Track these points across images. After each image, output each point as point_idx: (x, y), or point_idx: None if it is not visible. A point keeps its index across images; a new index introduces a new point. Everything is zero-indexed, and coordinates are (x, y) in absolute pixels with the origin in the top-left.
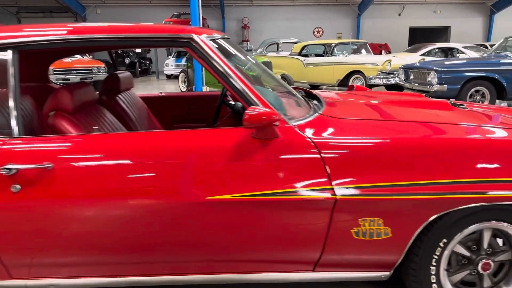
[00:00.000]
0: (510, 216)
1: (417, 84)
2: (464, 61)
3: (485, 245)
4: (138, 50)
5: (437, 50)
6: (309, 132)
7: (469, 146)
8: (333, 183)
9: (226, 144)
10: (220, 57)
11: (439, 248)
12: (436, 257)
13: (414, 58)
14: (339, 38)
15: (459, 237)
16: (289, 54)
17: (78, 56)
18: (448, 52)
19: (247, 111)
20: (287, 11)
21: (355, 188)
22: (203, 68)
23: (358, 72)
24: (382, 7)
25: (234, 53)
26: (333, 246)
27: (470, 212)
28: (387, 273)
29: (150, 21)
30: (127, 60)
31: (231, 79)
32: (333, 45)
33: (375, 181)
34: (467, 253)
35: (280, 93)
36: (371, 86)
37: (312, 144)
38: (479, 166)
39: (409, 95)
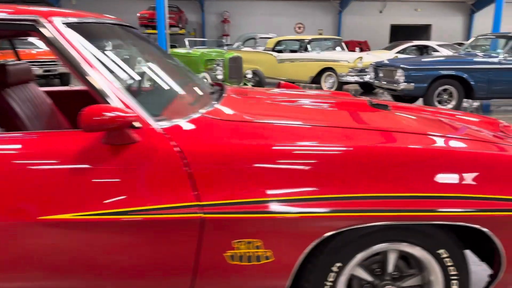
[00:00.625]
0: (414, 236)
1: (385, 82)
2: (432, 59)
3: (390, 268)
4: None
5: (412, 48)
6: (177, 137)
7: (364, 155)
8: (200, 199)
9: (66, 150)
10: (74, 45)
11: (332, 274)
12: (329, 283)
13: (388, 56)
14: (320, 34)
15: (357, 260)
16: (264, 50)
17: (43, 47)
18: (423, 50)
19: (84, 109)
20: (268, 6)
21: (226, 205)
22: None
23: (331, 69)
24: (364, 4)
25: (117, 43)
26: (206, 273)
27: (366, 232)
28: None
29: (127, 13)
30: None
31: (84, 73)
32: (307, 41)
33: (250, 197)
34: (369, 278)
35: (180, 90)
36: (343, 83)
37: (176, 151)
38: (375, 177)
39: (342, 94)
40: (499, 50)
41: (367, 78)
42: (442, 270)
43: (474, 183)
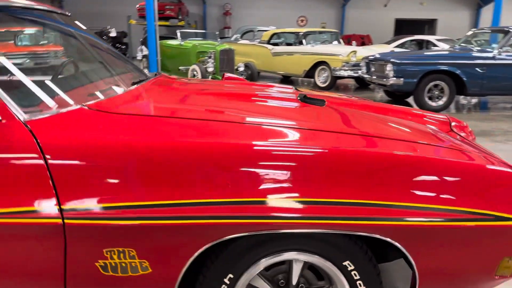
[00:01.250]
0: (315, 246)
1: (375, 77)
2: (424, 53)
3: (294, 280)
4: (114, 34)
5: (411, 42)
6: (42, 131)
7: (247, 155)
8: (60, 202)
9: None
10: None
11: (224, 286)
12: None
13: (385, 51)
14: (323, 28)
15: (253, 271)
16: (259, 42)
17: None
18: (423, 45)
19: None
20: None
21: (89, 209)
22: (160, 54)
23: (325, 63)
24: None
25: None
26: (77, 285)
27: (255, 242)
28: None
29: (127, 4)
30: None
31: None
32: (301, 34)
33: (116, 201)
34: None
35: (82, 80)
36: (336, 78)
37: (39, 147)
38: (263, 179)
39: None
40: (494, 45)
41: (360, 72)
42: (349, 284)
43: (380, 188)
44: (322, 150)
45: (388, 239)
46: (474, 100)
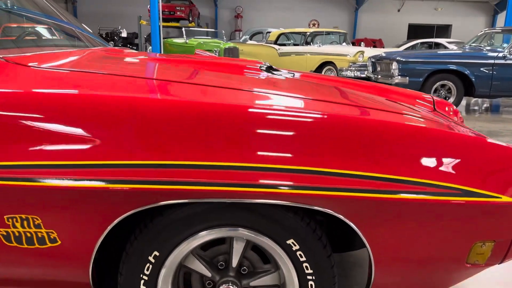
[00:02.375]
0: (252, 220)
1: (380, 76)
2: (431, 52)
3: (234, 262)
4: (124, 35)
5: (422, 45)
6: None
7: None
8: None
9: None
10: None
11: (148, 265)
12: (145, 277)
13: None
14: None
15: (183, 249)
16: (266, 43)
17: None
18: (433, 48)
19: None
20: (282, 1)
21: None
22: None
23: (331, 63)
24: (381, 1)
25: None
26: None
27: (186, 214)
28: None
29: (139, 5)
30: (111, 45)
31: None
32: (308, 33)
33: (17, 159)
34: (205, 272)
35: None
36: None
37: None
38: (192, 140)
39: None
40: (505, 45)
41: (366, 72)
42: (295, 267)
43: (322, 153)
44: (260, 110)
45: (330, 211)
46: (485, 105)
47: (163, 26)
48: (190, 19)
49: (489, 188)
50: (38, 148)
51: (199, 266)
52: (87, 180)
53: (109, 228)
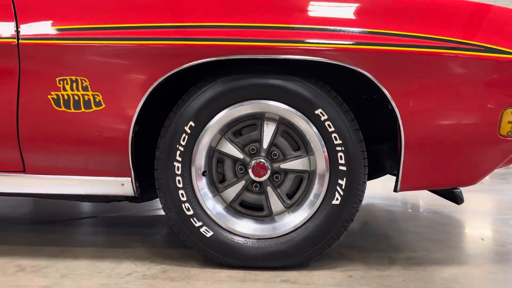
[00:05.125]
0: (279, 91)
1: None
2: None
3: (265, 143)
4: None
5: None
6: None
7: None
8: (20, 20)
9: None
10: None
11: (184, 136)
12: (181, 148)
13: None
14: None
15: (217, 124)
16: None
17: None
18: None
19: None
20: None
21: (50, 29)
22: None
23: None
24: None
25: None
26: (30, 126)
27: (220, 85)
28: (128, 180)
29: None
30: None
31: None
32: None
33: (72, 23)
34: (238, 154)
35: None
36: None
37: None
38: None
39: None
40: None
41: None
42: (323, 138)
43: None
44: None
45: (352, 67)
46: None
47: None
48: None
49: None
50: (86, 12)
51: (231, 149)
52: (127, 39)
53: (149, 90)
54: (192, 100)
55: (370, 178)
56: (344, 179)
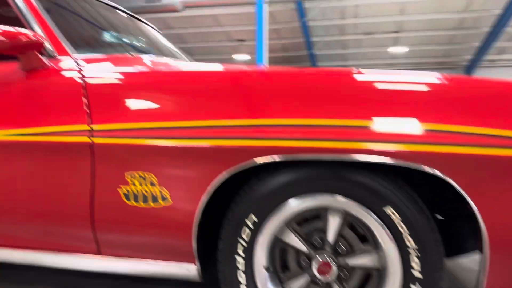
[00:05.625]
0: (347, 185)
1: None
2: None
3: (330, 236)
4: None
5: None
6: (88, 65)
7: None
8: (92, 122)
9: None
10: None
11: (246, 229)
12: (243, 242)
13: None
14: None
15: (280, 216)
16: None
17: None
18: None
19: None
20: None
21: (116, 130)
22: None
23: None
24: (494, 69)
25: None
26: (104, 215)
27: (286, 180)
28: (193, 266)
29: None
30: None
31: (24, 12)
32: None
33: (141, 121)
34: (302, 247)
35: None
36: None
37: (79, 75)
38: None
39: None
40: None
41: None
42: (395, 239)
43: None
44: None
45: (436, 172)
46: None
47: None
48: None
49: None
50: (152, 112)
51: (294, 240)
52: (193, 138)
53: (214, 185)
54: (254, 192)
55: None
56: (417, 283)
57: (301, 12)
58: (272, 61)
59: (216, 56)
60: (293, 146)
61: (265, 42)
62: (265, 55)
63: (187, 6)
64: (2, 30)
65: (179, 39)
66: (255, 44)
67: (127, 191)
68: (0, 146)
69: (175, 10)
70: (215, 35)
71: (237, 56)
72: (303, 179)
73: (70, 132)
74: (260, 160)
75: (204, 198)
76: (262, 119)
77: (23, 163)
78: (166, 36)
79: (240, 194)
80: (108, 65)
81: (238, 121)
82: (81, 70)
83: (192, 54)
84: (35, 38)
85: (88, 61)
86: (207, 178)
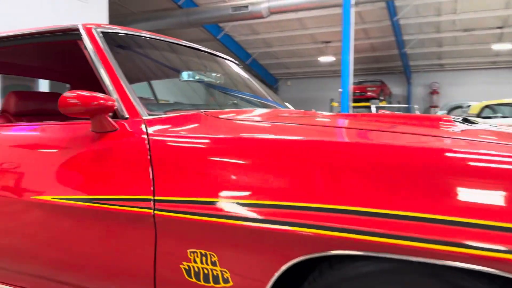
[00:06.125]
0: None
1: None
2: None
3: None
4: None
5: None
6: (156, 129)
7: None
8: (155, 193)
9: (60, 138)
10: (102, 49)
11: None
12: None
13: None
14: None
15: None
16: (467, 116)
17: None
18: None
19: (66, 92)
20: (485, 74)
21: (178, 202)
22: None
23: None
24: None
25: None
26: (165, 287)
27: (363, 272)
28: None
29: (330, 90)
30: None
31: (101, 73)
32: None
33: (206, 196)
34: None
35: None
36: None
37: (146, 140)
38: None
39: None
40: None
41: None
42: None
43: None
44: (467, 156)
45: None
46: None
47: (354, 107)
48: (381, 97)
49: None
50: (224, 185)
51: None
52: (257, 220)
53: (279, 272)
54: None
55: None
56: None
57: (392, 11)
58: (359, 61)
59: (301, 59)
60: (375, 241)
61: (351, 43)
62: (351, 56)
63: (272, 12)
64: (77, 94)
65: (265, 43)
66: (341, 45)
67: (188, 267)
68: (67, 210)
69: (261, 17)
70: (300, 38)
71: (323, 58)
72: (382, 279)
73: (133, 201)
74: (336, 252)
75: (269, 284)
76: (342, 206)
77: (90, 229)
78: (253, 42)
79: (309, 281)
80: (178, 126)
81: (313, 205)
82: (149, 134)
83: (278, 57)
84: (108, 102)
85: (161, 122)
86: (274, 264)
